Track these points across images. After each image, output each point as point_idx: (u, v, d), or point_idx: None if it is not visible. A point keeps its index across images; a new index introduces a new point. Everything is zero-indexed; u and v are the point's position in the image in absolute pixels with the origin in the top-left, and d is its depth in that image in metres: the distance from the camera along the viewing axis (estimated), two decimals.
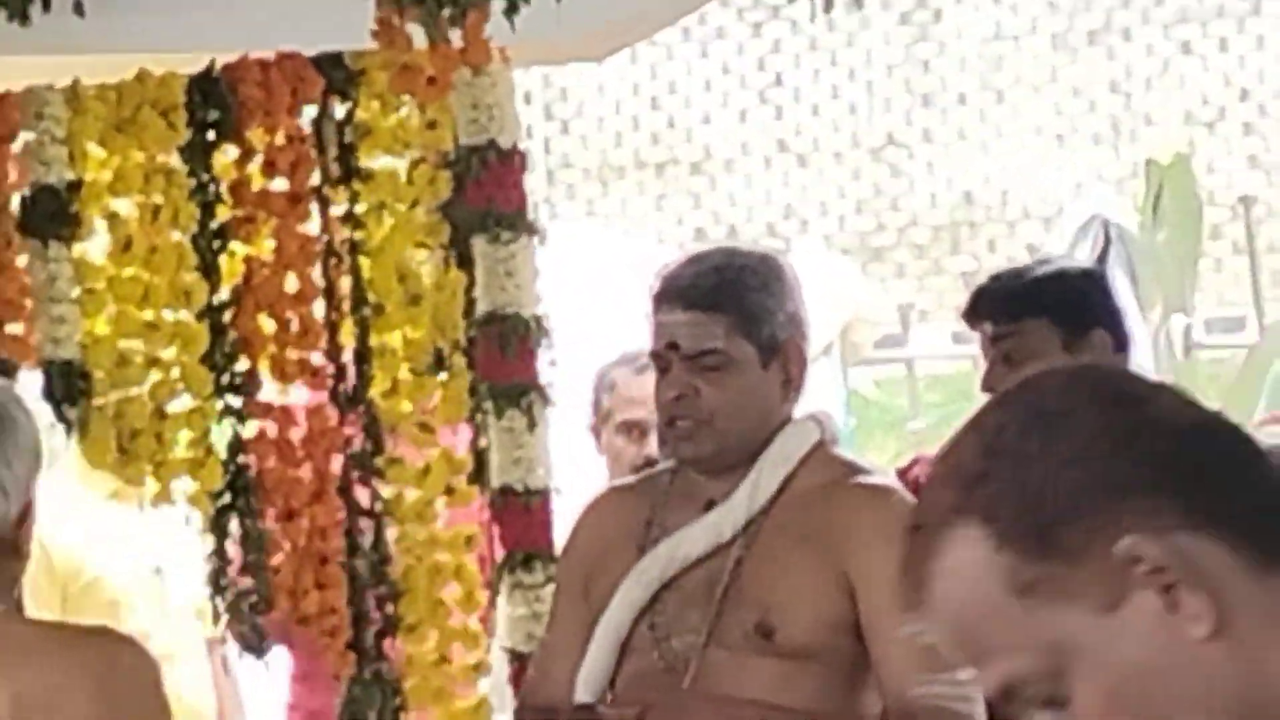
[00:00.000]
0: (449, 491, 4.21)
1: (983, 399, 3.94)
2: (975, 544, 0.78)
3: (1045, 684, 0.79)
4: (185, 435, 3.87)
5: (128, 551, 4.80)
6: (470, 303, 4.01)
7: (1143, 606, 0.77)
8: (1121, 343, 3.41)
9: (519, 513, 3.89)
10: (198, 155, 4.12)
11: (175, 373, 3.92)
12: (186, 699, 4.80)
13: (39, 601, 3.90)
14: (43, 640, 2.42)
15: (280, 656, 4.73)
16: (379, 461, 4.14)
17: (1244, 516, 0.78)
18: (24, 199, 3.74)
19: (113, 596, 4.79)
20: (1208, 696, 0.77)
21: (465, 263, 4.08)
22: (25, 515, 2.41)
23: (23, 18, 3.05)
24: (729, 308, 2.91)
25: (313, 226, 4.07)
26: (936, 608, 0.82)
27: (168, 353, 3.92)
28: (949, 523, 0.79)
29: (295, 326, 3.99)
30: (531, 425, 3.89)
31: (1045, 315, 3.30)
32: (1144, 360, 4.08)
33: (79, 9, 3.14)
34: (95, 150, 3.86)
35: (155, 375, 3.75)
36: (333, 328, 4.08)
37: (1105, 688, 0.77)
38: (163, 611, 4.61)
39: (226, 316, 4.01)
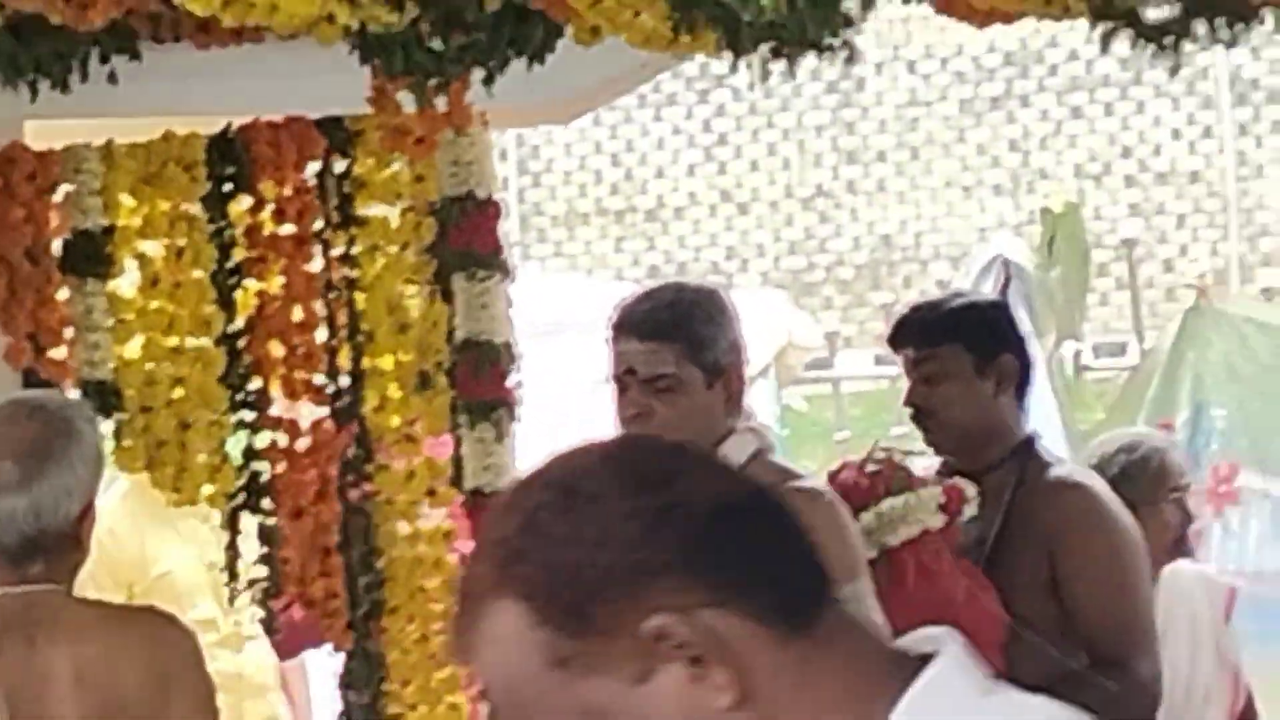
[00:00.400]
0: (431, 493, 4.17)
1: (904, 412, 3.86)
2: (514, 618, 0.75)
3: None
4: (204, 445, 3.83)
5: (191, 549, 4.87)
6: (451, 331, 4.01)
7: (671, 679, 0.74)
8: (1024, 365, 3.41)
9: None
10: (216, 204, 3.93)
11: (196, 391, 3.86)
12: (252, 677, 4.97)
13: (105, 595, 3.84)
14: (99, 618, 2.41)
15: None
16: (369, 468, 4.08)
17: (768, 591, 0.76)
18: (65, 242, 3.66)
19: (178, 590, 4.82)
20: None
21: (447, 297, 4.02)
22: (86, 513, 2.41)
23: (64, 86, 3.02)
24: (678, 337, 2.92)
25: (316, 265, 3.95)
26: (483, 670, 0.80)
27: (190, 374, 3.85)
28: (489, 596, 0.77)
29: (300, 351, 3.85)
30: (500, 437, 3.93)
31: (959, 341, 3.29)
32: (1041, 380, 4.03)
33: (112, 79, 3.11)
34: (127, 200, 3.72)
35: (178, 393, 3.63)
36: (332, 352, 3.93)
37: None
38: (224, 601, 4.55)
39: (241, 343, 3.85)
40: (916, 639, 0.82)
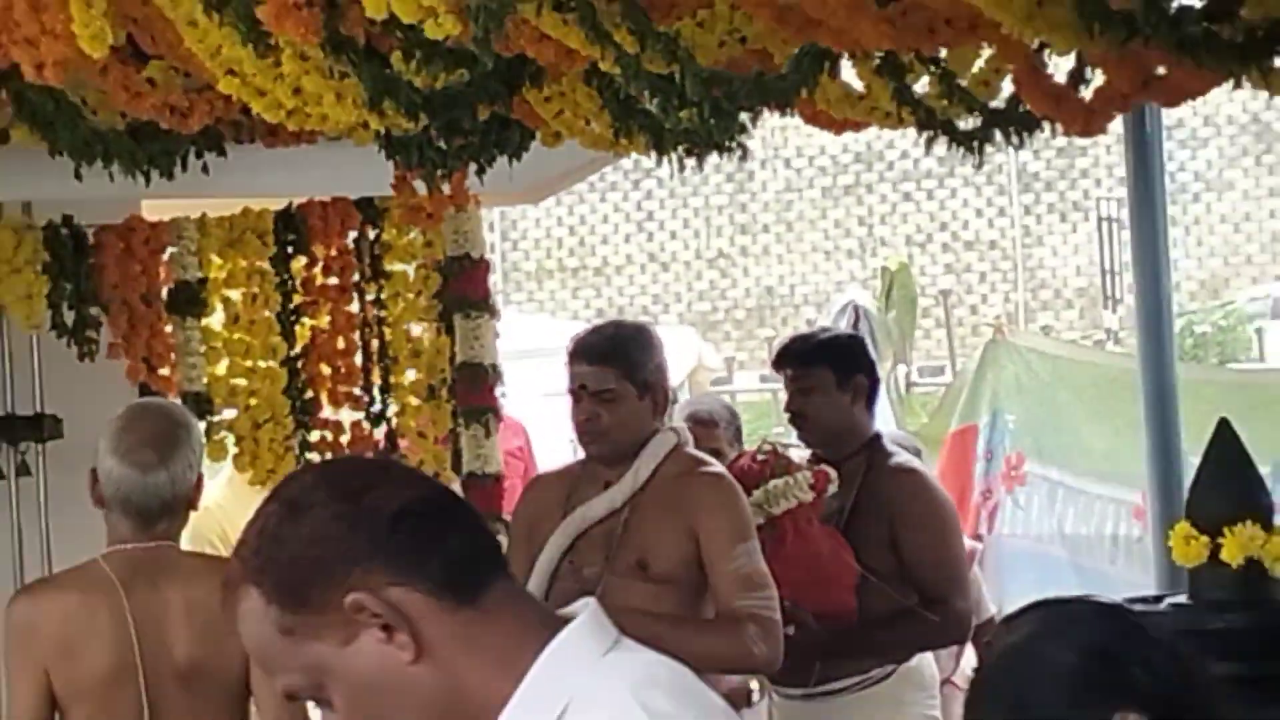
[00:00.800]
0: (437, 475, 3.79)
1: (784, 417, 3.63)
2: (254, 600, 0.75)
3: (313, 692, 0.76)
4: (272, 439, 3.63)
5: None
6: (452, 356, 3.84)
7: (369, 641, 0.75)
8: (873, 383, 3.26)
9: (479, 490, 3.70)
10: (281, 262, 3.56)
11: (265, 400, 3.66)
12: None
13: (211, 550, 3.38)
14: (204, 566, 2.25)
15: None
16: (394, 458, 3.84)
17: (440, 573, 0.75)
18: (170, 289, 3.51)
19: None
20: (420, 704, 0.75)
21: (449, 331, 3.73)
22: (198, 484, 2.28)
23: (169, 174, 2.78)
24: (618, 361, 2.78)
25: (354, 308, 3.70)
26: (243, 638, 0.79)
27: (261, 387, 3.65)
28: (239, 583, 0.76)
29: (343, 371, 3.64)
30: (488, 434, 3.80)
31: (826, 364, 3.15)
32: (883, 394, 3.87)
33: (205, 169, 2.92)
34: (215, 259, 3.55)
35: (253, 401, 3.50)
36: (367, 372, 3.72)
37: (349, 698, 0.75)
38: None
39: (299, 364, 3.72)
40: (574, 607, 0.81)
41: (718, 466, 2.89)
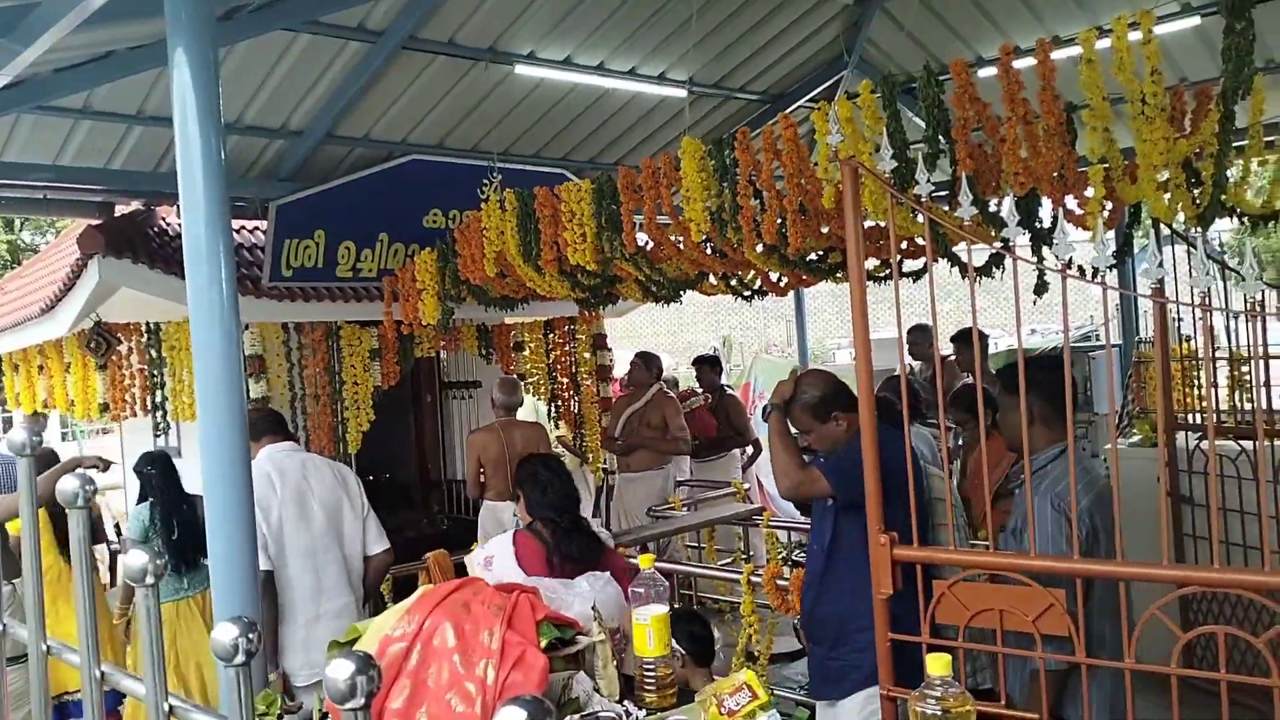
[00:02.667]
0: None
1: None
2: None
3: None
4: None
5: None
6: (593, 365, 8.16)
7: None
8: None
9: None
10: (549, 336, 8.04)
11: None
12: None
13: None
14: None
15: None
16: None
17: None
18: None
19: None
20: None
21: (594, 355, 8.26)
22: (521, 403, 7.84)
23: (511, 309, 6.99)
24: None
25: (568, 348, 8.17)
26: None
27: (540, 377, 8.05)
28: None
29: (563, 380, 8.13)
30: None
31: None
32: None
33: (515, 307, 7.01)
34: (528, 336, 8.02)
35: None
36: (572, 375, 8.29)
37: None
38: None
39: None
40: None
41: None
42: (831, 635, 3.14)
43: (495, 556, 3.15)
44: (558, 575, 2.94)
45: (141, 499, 4.82)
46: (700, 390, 7.98)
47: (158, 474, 4.77)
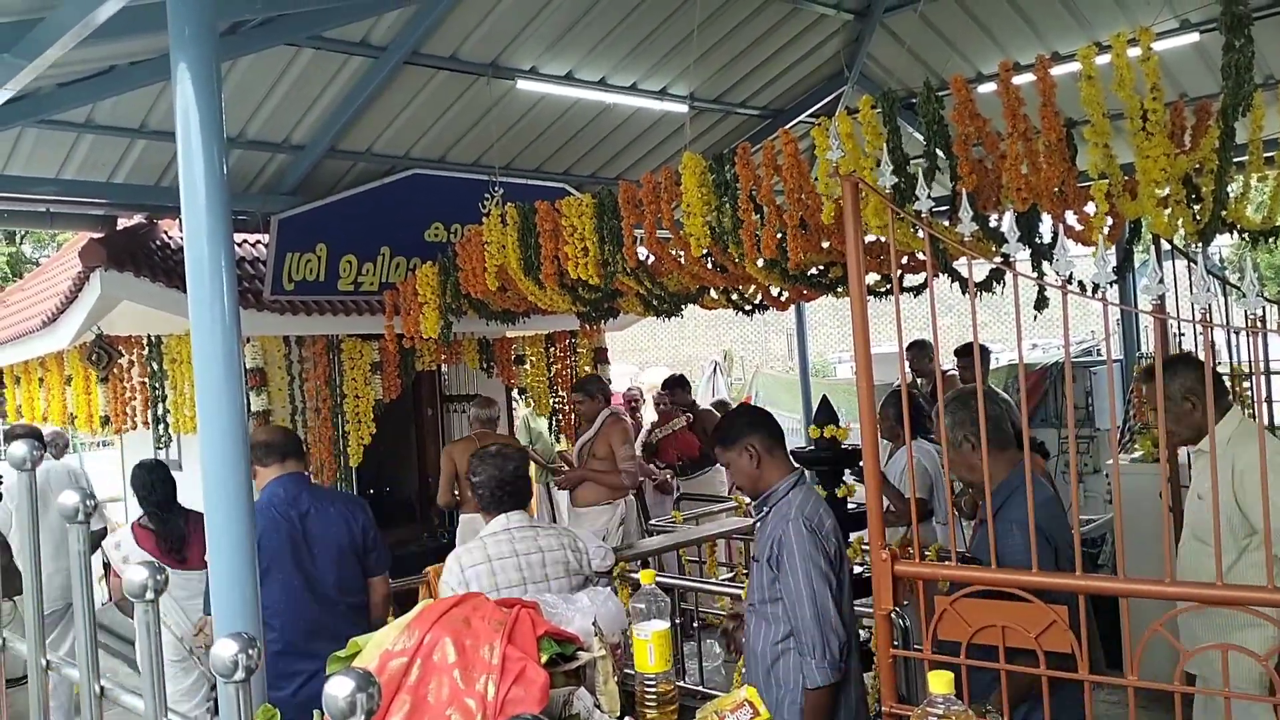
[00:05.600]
0: None
1: None
2: None
3: None
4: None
5: None
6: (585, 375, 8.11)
7: None
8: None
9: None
10: (550, 349, 8.01)
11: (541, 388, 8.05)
12: None
13: None
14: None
15: None
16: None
17: None
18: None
19: None
20: None
21: (596, 367, 8.19)
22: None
23: (512, 323, 7.06)
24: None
25: (569, 361, 8.20)
26: None
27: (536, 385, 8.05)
28: None
29: (563, 387, 8.11)
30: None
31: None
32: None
33: (516, 320, 7.09)
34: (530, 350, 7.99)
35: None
36: (574, 378, 8.22)
37: None
38: None
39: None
40: None
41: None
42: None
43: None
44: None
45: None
46: (682, 411, 7.89)
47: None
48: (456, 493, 6.36)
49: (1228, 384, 5.31)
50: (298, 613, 3.68)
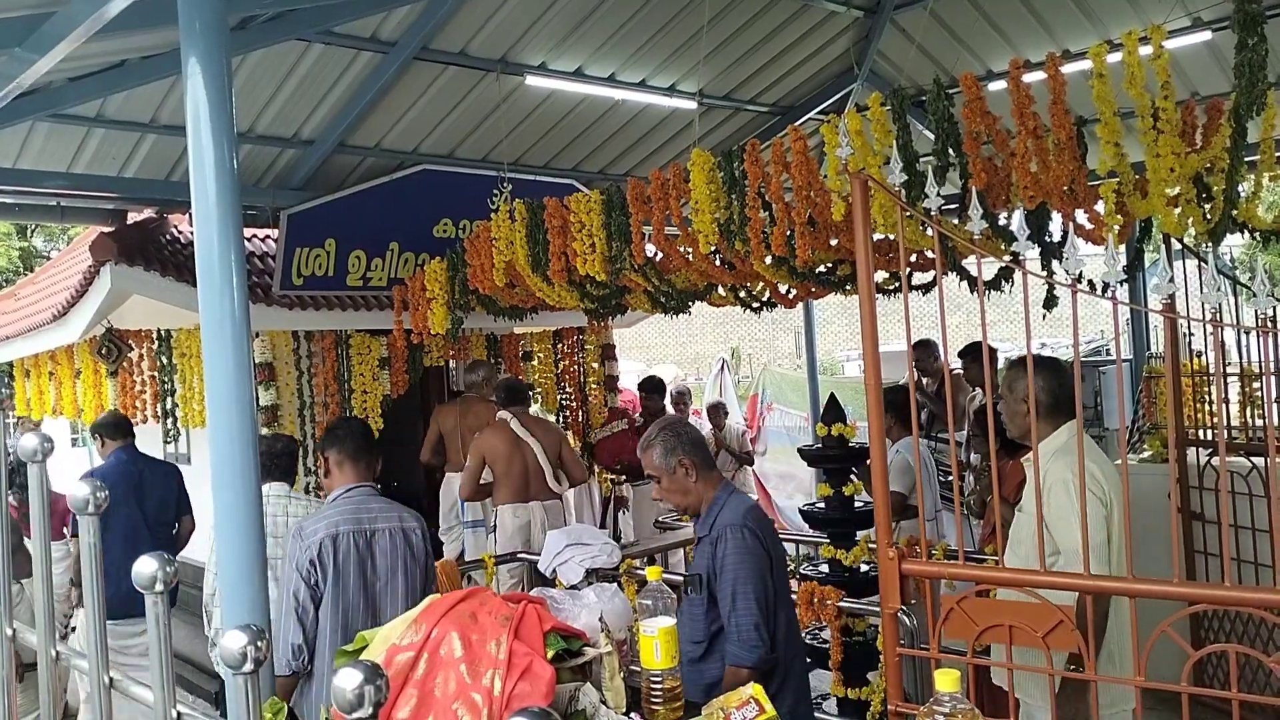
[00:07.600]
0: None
1: None
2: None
3: None
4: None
5: None
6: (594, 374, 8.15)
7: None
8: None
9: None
10: (557, 344, 8.07)
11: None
12: None
13: None
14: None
15: None
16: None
17: None
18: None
19: None
20: None
21: (603, 365, 8.20)
22: None
23: (521, 319, 7.03)
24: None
25: (577, 358, 8.16)
26: None
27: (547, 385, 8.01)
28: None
29: (569, 384, 8.11)
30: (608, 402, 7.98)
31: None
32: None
33: (524, 316, 7.12)
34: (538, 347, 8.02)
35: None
36: (580, 382, 8.22)
37: None
38: None
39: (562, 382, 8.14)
40: None
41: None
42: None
43: None
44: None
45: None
46: (623, 415, 7.77)
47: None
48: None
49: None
50: (135, 538, 4.73)
